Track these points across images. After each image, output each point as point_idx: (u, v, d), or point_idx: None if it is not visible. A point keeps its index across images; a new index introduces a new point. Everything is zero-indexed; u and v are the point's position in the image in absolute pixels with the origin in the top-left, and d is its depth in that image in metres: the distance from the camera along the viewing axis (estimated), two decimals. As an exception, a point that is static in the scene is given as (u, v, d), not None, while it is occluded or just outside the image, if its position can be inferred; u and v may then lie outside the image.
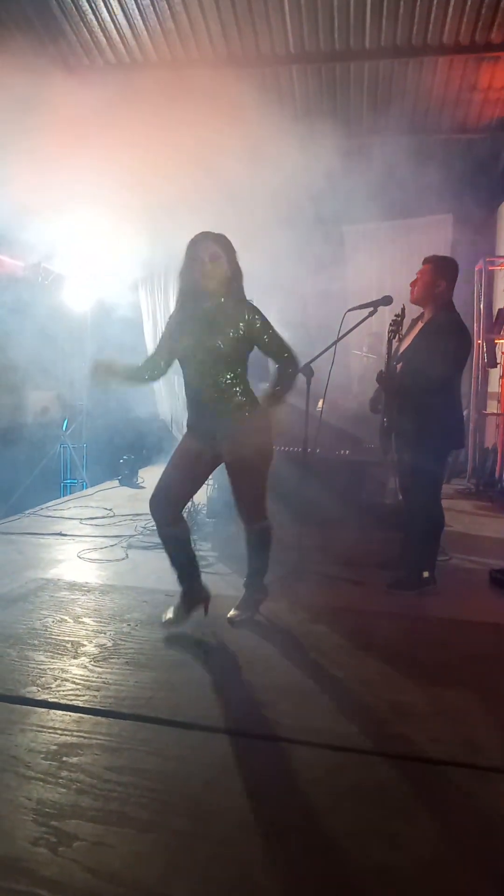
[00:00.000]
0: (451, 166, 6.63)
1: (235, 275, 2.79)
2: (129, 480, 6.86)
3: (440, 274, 3.49)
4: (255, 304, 2.82)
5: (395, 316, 3.45)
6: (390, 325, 3.45)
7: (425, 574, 3.54)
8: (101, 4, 5.62)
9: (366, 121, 6.61)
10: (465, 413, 6.82)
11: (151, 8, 5.60)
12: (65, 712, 2.20)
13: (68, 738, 2.05)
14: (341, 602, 3.38)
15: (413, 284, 3.55)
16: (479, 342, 7.22)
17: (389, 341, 3.47)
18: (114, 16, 5.72)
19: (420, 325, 3.54)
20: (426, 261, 3.56)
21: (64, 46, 5.92)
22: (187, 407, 2.95)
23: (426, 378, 3.28)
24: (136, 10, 5.65)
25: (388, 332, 3.46)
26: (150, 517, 5.20)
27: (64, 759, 1.93)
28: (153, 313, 8.65)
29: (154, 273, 8.14)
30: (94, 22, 5.79)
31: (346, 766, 1.95)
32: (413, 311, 3.62)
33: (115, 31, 5.88)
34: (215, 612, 3.03)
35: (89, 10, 5.68)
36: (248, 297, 2.83)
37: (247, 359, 2.86)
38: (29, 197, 4.70)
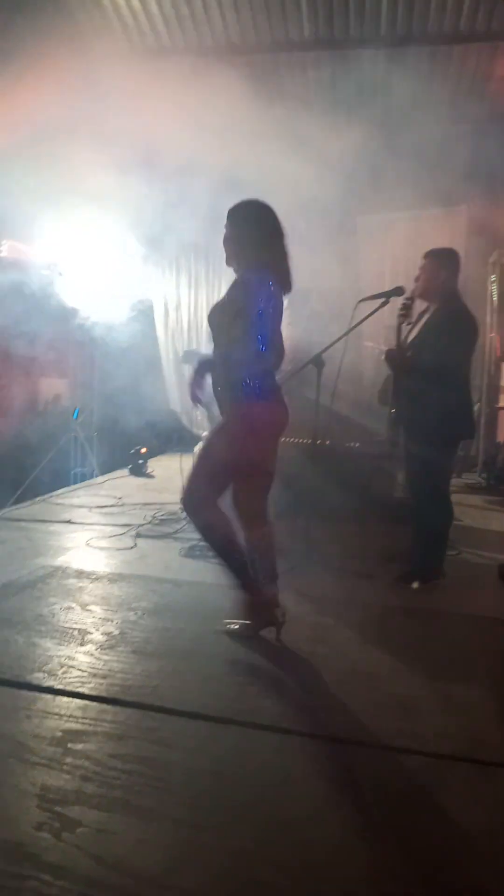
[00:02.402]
0: (466, 157, 6.54)
1: None
2: (140, 470, 6.87)
3: (440, 265, 3.50)
4: None
5: (406, 299, 3.46)
6: (400, 309, 3.47)
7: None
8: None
9: (381, 110, 6.53)
10: (476, 407, 6.78)
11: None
12: (70, 699, 2.21)
13: (73, 724, 2.06)
14: (349, 595, 3.37)
15: (416, 280, 3.56)
16: (491, 335, 7.15)
17: (399, 326, 3.46)
18: (129, 2, 5.68)
19: (426, 316, 3.54)
20: (425, 256, 3.58)
21: (77, 33, 5.88)
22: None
23: (433, 368, 3.28)
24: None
25: (398, 318, 3.47)
26: (159, 506, 5.21)
27: (69, 745, 1.94)
28: (165, 298, 8.67)
29: (164, 258, 8.15)
30: (109, 8, 5.76)
31: (351, 760, 1.95)
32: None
33: (130, 18, 5.84)
34: (227, 603, 3.03)
35: (104, -3, 5.65)
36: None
37: None
38: (40, 186, 4.70)
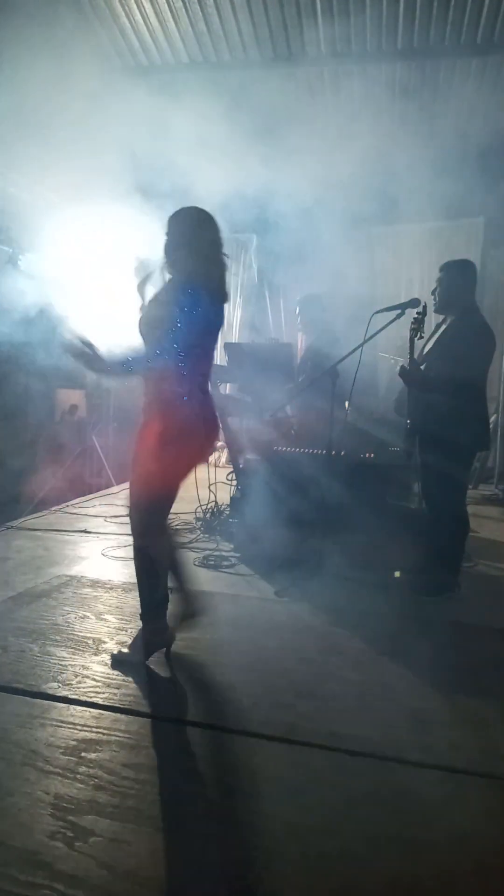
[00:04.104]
0: (483, 168, 6.55)
1: None
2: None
3: (455, 277, 3.50)
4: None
5: (417, 313, 3.45)
6: (412, 323, 3.46)
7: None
8: (134, 7, 5.66)
9: (397, 123, 6.57)
10: (493, 418, 6.73)
11: (184, 10, 5.63)
12: (85, 708, 2.22)
13: (87, 734, 2.07)
14: (363, 606, 3.36)
15: (433, 293, 3.56)
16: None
17: (411, 339, 3.46)
18: (146, 18, 5.77)
19: (443, 328, 3.54)
20: (441, 268, 3.58)
21: (96, 50, 5.98)
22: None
23: (449, 380, 3.27)
24: (169, 13, 5.68)
25: (410, 331, 3.46)
26: (174, 516, 5.21)
27: (83, 754, 1.95)
28: None
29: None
30: (127, 25, 5.84)
31: (364, 771, 1.93)
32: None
33: (147, 34, 5.92)
34: (241, 612, 3.03)
35: (122, 13, 5.74)
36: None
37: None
38: (49, 197, 4.75)
